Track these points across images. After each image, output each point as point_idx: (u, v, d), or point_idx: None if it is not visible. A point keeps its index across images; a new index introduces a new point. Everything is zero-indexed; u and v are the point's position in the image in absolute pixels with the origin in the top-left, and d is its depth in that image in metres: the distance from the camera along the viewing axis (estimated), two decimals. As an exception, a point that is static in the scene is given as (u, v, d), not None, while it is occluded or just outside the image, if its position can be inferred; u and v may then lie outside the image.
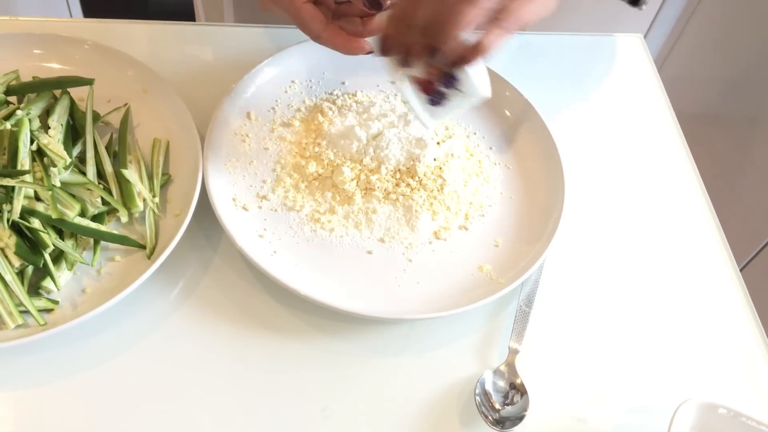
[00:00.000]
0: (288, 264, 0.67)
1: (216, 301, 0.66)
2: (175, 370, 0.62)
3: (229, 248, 0.69)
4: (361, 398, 0.63)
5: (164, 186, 0.70)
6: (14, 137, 0.62)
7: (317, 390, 0.63)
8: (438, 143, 0.75)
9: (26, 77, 0.72)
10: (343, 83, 0.82)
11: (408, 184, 0.71)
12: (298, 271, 0.66)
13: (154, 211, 0.67)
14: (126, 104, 0.73)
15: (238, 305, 0.66)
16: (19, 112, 0.64)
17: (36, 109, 0.67)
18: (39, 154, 0.64)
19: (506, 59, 0.85)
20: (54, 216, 0.61)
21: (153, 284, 0.65)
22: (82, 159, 0.68)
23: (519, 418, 0.61)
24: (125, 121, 0.72)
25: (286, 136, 0.76)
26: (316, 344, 0.65)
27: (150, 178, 0.69)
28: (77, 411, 0.59)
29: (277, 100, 0.79)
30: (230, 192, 0.70)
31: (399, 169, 0.72)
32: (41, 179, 0.62)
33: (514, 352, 0.65)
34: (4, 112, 0.66)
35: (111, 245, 0.65)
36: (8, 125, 0.62)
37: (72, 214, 0.62)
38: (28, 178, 0.61)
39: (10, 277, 0.59)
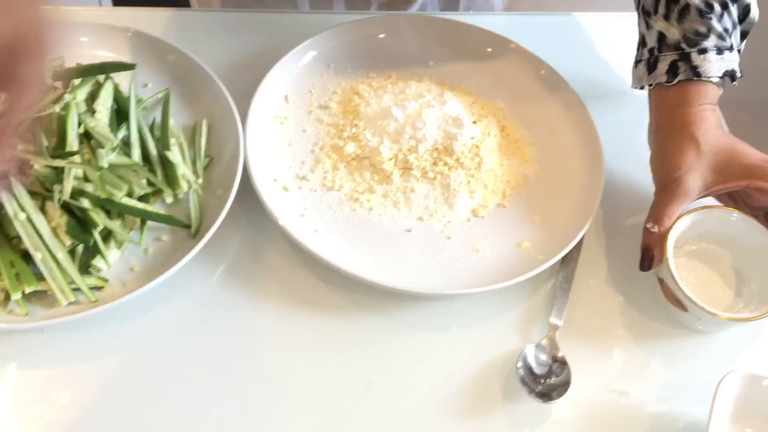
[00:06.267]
0: (329, 242, 0.68)
1: (259, 279, 0.67)
2: (222, 346, 0.63)
3: (271, 227, 0.70)
4: (404, 372, 0.64)
5: (206, 168, 0.71)
6: (62, 121, 0.64)
7: (361, 365, 0.63)
8: (474, 122, 0.75)
9: (70, 64, 0.73)
10: (379, 66, 0.82)
11: (445, 163, 0.72)
12: (339, 249, 0.67)
13: (197, 192, 0.68)
14: (167, 89, 0.75)
15: (281, 283, 0.67)
16: (66, 97, 0.66)
17: (81, 94, 0.68)
18: (86, 137, 0.65)
19: (542, 39, 0.85)
20: (103, 196, 0.62)
21: (198, 263, 0.66)
22: (126, 143, 0.69)
23: (562, 391, 0.62)
24: (166, 105, 0.73)
25: (324, 118, 0.77)
26: (358, 321, 0.66)
27: (193, 160, 0.70)
28: (128, 385, 0.60)
29: (313, 83, 0.80)
30: (270, 173, 0.71)
31: (436, 148, 0.73)
32: (89, 161, 0.63)
33: (554, 328, 0.66)
34: (51, 97, 0.67)
35: (157, 225, 0.67)
36: (57, 109, 0.64)
37: (120, 194, 0.63)
38: (77, 159, 0.62)
39: (62, 256, 0.60)
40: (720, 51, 0.68)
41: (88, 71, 0.70)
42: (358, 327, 0.66)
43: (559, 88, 0.80)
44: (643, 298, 0.70)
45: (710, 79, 0.68)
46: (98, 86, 0.71)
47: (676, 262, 0.65)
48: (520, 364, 0.63)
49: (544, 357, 0.64)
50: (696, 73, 0.68)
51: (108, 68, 0.71)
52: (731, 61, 0.69)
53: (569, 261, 0.70)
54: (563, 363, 0.63)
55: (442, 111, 0.74)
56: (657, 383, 0.65)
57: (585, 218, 0.70)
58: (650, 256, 0.67)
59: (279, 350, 0.64)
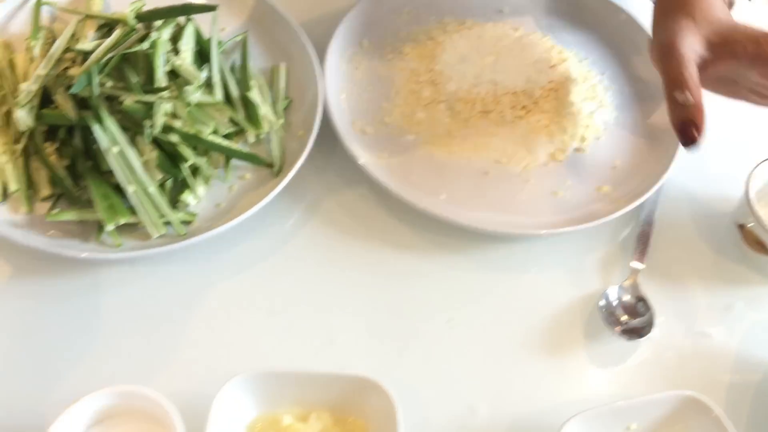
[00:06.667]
0: (408, 183, 0.68)
1: (338, 219, 0.68)
2: (304, 282, 0.64)
3: (348, 170, 0.70)
4: (484, 310, 0.64)
5: (286, 110, 0.71)
6: (149, 58, 0.65)
7: (441, 302, 0.64)
8: (552, 66, 0.74)
9: (150, 7, 0.74)
10: (454, 11, 0.82)
11: (524, 107, 0.72)
12: (418, 190, 0.67)
13: (278, 133, 0.69)
14: (245, 32, 0.75)
15: (360, 223, 0.68)
16: (153, 34, 0.66)
17: (166, 34, 0.69)
18: (172, 75, 0.66)
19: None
20: (191, 132, 0.63)
21: (279, 201, 0.66)
22: (208, 84, 0.70)
23: (645, 331, 0.62)
24: (245, 48, 0.74)
25: (399, 63, 0.77)
26: (436, 260, 0.66)
27: (272, 102, 0.71)
28: (214, 317, 0.62)
29: (387, 29, 0.79)
30: (348, 116, 0.72)
31: (515, 92, 0.72)
32: (177, 98, 0.64)
33: (636, 271, 0.65)
34: (136, 36, 0.68)
35: (240, 164, 0.68)
36: (145, 46, 0.65)
37: (207, 131, 0.64)
38: (166, 94, 0.63)
39: (153, 189, 0.61)
40: None
41: (170, 12, 0.71)
42: (437, 267, 0.66)
43: (638, 34, 0.79)
44: (725, 242, 0.69)
45: None
46: (179, 28, 0.72)
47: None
48: (602, 303, 0.63)
49: (627, 298, 0.64)
50: None
51: (189, 9, 0.72)
52: None
53: (650, 205, 0.69)
54: (646, 304, 0.63)
55: (520, 55, 0.73)
56: (740, 327, 0.64)
57: (666, 163, 0.70)
58: (690, 128, 0.59)
59: (360, 287, 0.64)
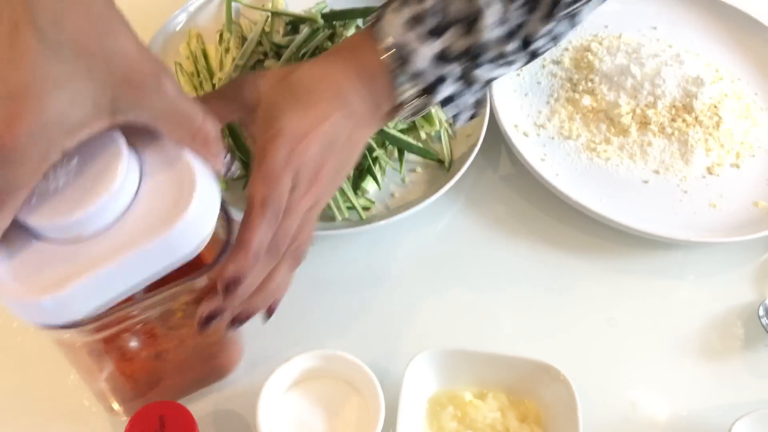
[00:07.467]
0: (570, 186, 0.71)
1: (497, 215, 0.72)
2: (468, 272, 0.68)
3: (510, 169, 0.74)
4: (643, 313, 0.67)
5: (452, 110, 0.76)
6: (340, 55, 0.70)
7: (601, 302, 0.67)
8: (711, 83, 0.77)
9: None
10: (606, 27, 0.85)
11: (684, 120, 0.74)
12: (580, 193, 0.70)
13: (448, 131, 0.73)
14: (414, 35, 0.80)
15: (518, 221, 0.71)
16: (341, 32, 0.72)
17: (349, 33, 0.74)
18: (357, 71, 0.71)
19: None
20: (379, 124, 0.68)
21: (444, 195, 0.71)
22: (382, 81, 0.75)
23: (805, 343, 0.63)
24: (414, 50, 0.78)
25: (557, 72, 0.80)
26: (595, 262, 0.69)
27: (440, 101, 0.75)
28: (392, 294, 0.66)
29: (545, 39, 0.83)
30: (511, 119, 0.76)
31: (675, 105, 0.75)
32: (363, 93, 0.69)
33: (792, 285, 0.67)
34: (322, 36, 0.73)
35: (411, 158, 0.72)
36: (337, 42, 0.70)
37: (390, 124, 0.69)
38: (357, 89, 0.68)
39: (341, 176, 0.66)
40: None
41: (353, 14, 0.76)
42: (595, 267, 0.69)
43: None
44: None
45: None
46: (359, 30, 0.77)
47: None
48: (761, 312, 0.65)
49: (785, 310, 0.66)
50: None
51: (370, 12, 0.77)
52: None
53: (807, 223, 0.71)
54: (805, 318, 0.65)
55: (681, 70, 0.76)
56: None
57: (823, 183, 0.71)
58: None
59: (520, 281, 0.68)
